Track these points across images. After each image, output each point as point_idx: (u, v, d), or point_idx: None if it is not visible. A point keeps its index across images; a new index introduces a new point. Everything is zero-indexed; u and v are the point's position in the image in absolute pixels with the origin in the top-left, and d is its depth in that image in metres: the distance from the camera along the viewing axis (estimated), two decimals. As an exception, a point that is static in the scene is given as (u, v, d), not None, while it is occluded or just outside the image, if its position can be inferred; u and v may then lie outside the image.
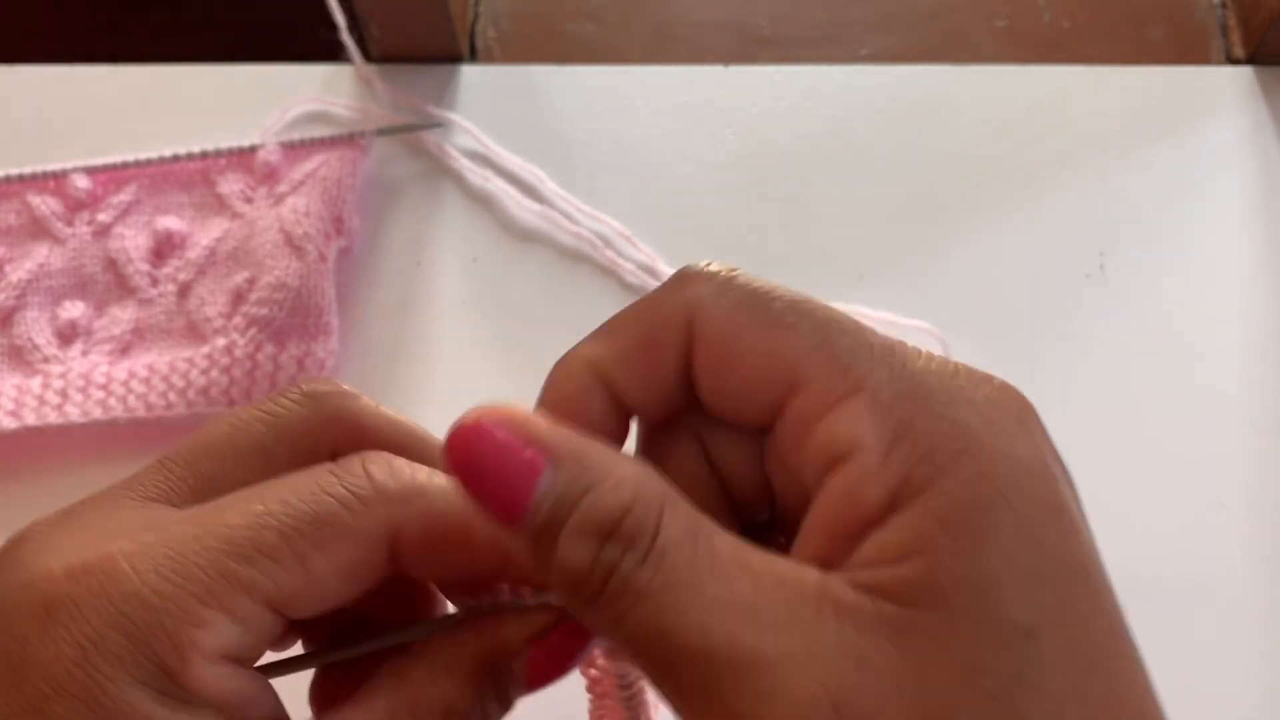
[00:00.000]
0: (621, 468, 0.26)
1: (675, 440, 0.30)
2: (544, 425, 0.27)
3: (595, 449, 0.27)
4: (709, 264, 0.29)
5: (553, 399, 0.29)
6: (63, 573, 0.27)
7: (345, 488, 0.29)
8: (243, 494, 0.30)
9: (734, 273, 0.28)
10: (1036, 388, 0.61)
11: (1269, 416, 0.58)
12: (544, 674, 0.31)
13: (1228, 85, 0.66)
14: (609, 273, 0.62)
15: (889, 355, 0.26)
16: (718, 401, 0.29)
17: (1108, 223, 0.62)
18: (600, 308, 0.61)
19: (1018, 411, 0.26)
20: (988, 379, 0.27)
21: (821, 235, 0.63)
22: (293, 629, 0.33)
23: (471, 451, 0.27)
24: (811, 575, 0.25)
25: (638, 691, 0.34)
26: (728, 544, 0.26)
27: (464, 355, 0.60)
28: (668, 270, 0.61)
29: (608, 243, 0.62)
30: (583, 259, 0.62)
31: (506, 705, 0.32)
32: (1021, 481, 0.24)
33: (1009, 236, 0.62)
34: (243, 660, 0.29)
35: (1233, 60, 0.68)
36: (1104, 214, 0.63)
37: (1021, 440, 0.25)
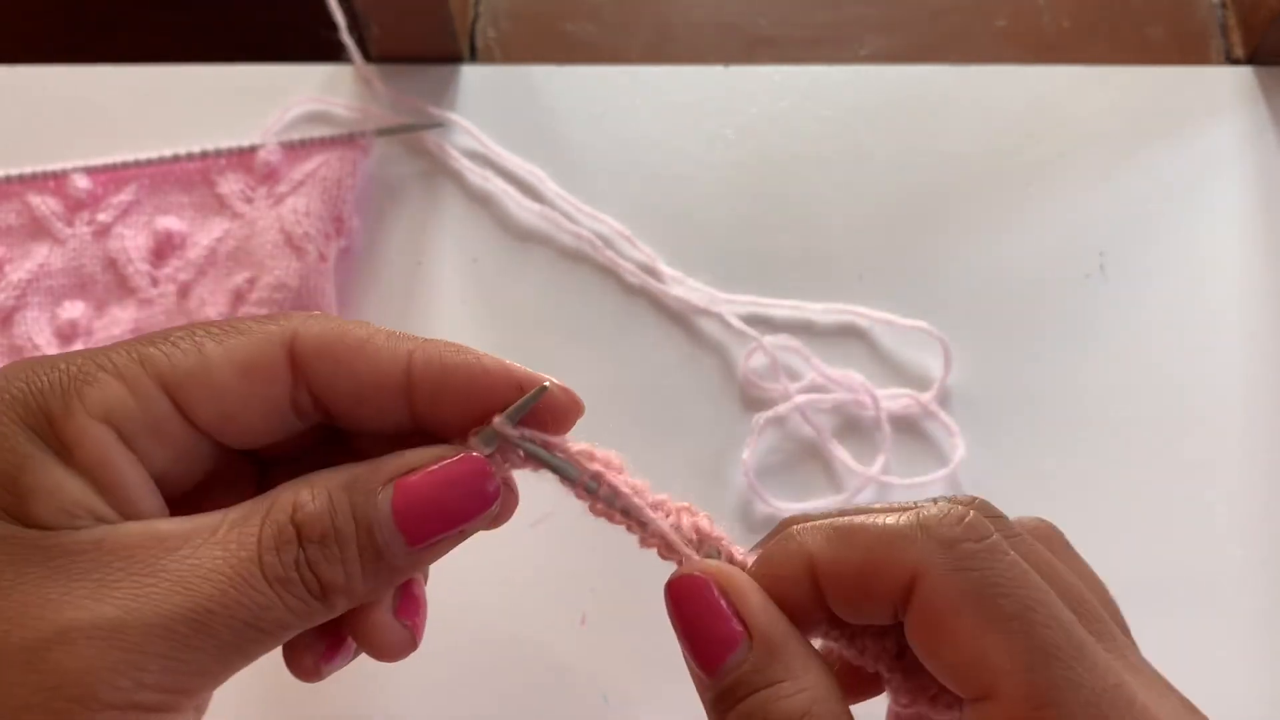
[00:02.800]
0: (808, 675, 0.30)
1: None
2: (757, 602, 0.31)
3: (793, 645, 0.31)
4: (957, 519, 0.30)
5: (767, 568, 0.32)
6: (11, 363, 0.31)
7: (262, 316, 0.33)
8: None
9: (979, 548, 0.30)
10: (1036, 387, 0.61)
11: (1269, 416, 0.58)
12: (414, 512, 0.32)
13: (1228, 85, 0.66)
14: (609, 273, 0.62)
15: (1097, 703, 0.28)
16: (919, 654, 0.31)
17: (1108, 223, 0.62)
18: (600, 308, 0.61)
19: None
20: None
21: (821, 235, 0.63)
22: (231, 463, 0.34)
23: (689, 600, 0.31)
24: None
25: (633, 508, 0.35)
26: None
27: (464, 355, 0.60)
28: (668, 270, 0.61)
29: (608, 243, 0.62)
30: (583, 259, 0.62)
31: (378, 550, 0.31)
32: None
33: (1009, 236, 0.62)
34: (133, 439, 0.30)
35: (1233, 60, 0.68)
36: (1104, 214, 0.63)
37: None
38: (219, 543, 0.29)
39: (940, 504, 0.31)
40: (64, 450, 0.29)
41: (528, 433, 0.34)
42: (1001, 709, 0.28)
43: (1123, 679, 0.29)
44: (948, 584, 0.29)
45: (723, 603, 0.31)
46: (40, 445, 0.29)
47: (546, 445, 0.34)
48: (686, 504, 0.35)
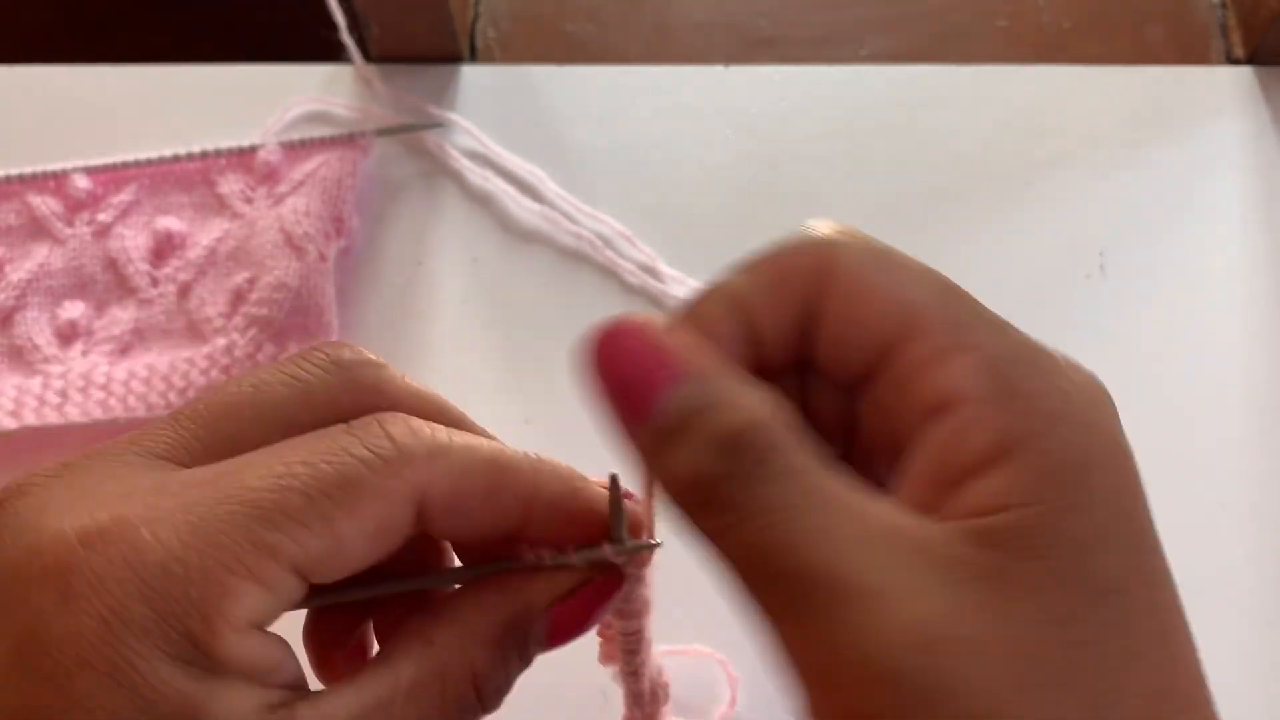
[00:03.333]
0: (752, 391, 0.28)
1: (780, 384, 0.30)
2: (685, 338, 0.28)
3: (731, 368, 0.28)
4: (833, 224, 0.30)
5: (692, 319, 0.30)
6: (78, 539, 0.26)
7: (368, 448, 0.29)
8: (259, 455, 0.29)
9: (863, 232, 0.30)
10: (1036, 388, 0.61)
11: (1269, 416, 0.58)
12: (564, 632, 0.32)
13: (1228, 85, 0.66)
14: (609, 273, 0.62)
15: (998, 324, 0.29)
16: (833, 345, 0.30)
17: (1108, 223, 0.62)
18: (600, 308, 0.61)
19: (1105, 396, 0.29)
20: (1077, 365, 0.29)
21: (821, 235, 0.63)
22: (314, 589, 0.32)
23: (614, 349, 0.28)
24: (913, 519, 0.26)
25: (639, 642, 0.35)
26: (840, 481, 0.27)
27: (464, 355, 0.60)
28: (668, 270, 0.61)
29: (608, 243, 0.62)
30: (583, 259, 0.62)
31: (526, 662, 0.32)
32: (1111, 451, 0.27)
33: (1009, 236, 0.62)
34: (267, 625, 0.28)
35: (1233, 60, 0.68)
36: (1104, 214, 0.63)
37: (1109, 418, 0.28)
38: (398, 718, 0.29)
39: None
40: (220, 667, 0.27)
41: (630, 543, 0.33)
42: (925, 341, 0.28)
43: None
44: (858, 246, 0.30)
45: (650, 345, 0.28)
46: (198, 674, 0.26)
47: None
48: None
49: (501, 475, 0.30)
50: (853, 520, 0.25)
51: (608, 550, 0.32)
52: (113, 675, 0.25)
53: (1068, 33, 0.70)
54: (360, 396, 0.31)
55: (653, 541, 0.33)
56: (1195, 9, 0.70)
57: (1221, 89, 0.66)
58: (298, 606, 0.30)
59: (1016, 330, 0.29)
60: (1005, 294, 0.61)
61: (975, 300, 0.29)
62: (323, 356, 0.31)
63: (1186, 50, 0.69)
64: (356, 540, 0.28)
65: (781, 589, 0.26)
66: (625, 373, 0.28)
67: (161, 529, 0.26)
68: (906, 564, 0.25)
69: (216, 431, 0.30)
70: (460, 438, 0.30)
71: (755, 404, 0.27)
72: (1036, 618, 0.24)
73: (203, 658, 0.26)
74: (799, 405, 0.31)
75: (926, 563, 0.25)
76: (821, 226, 0.30)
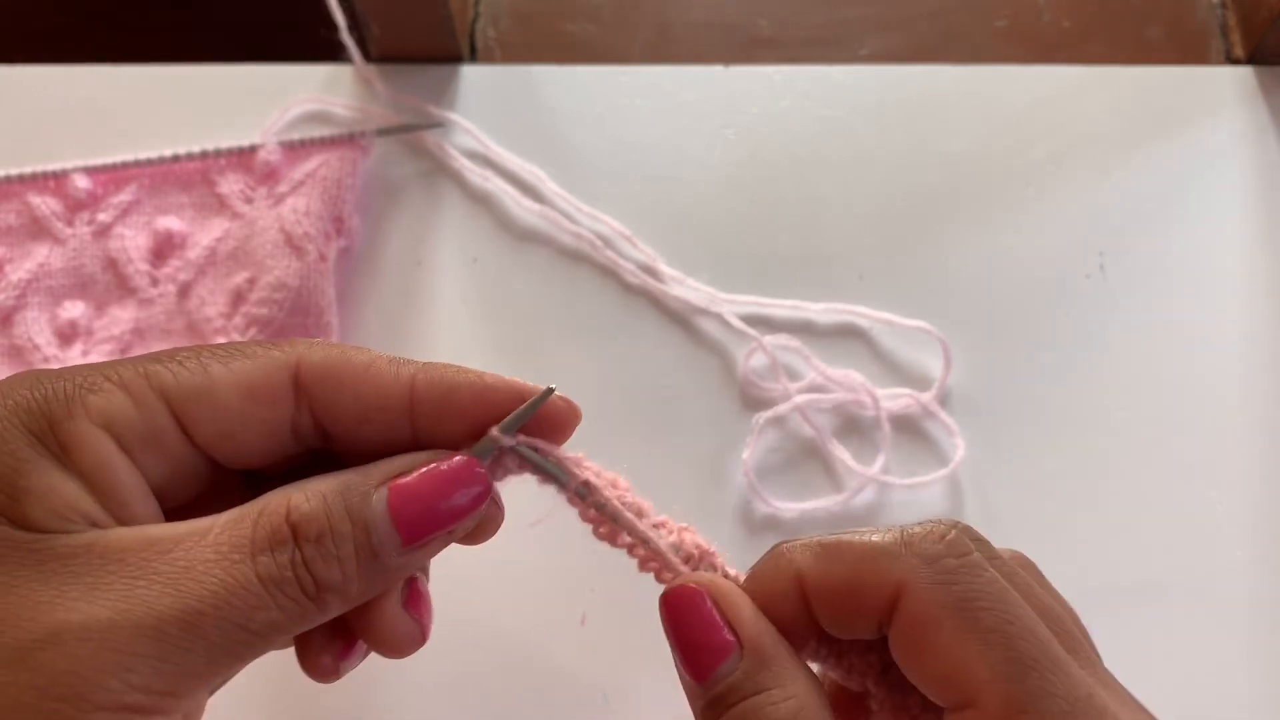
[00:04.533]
0: (796, 684, 0.31)
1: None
2: (748, 613, 0.32)
3: (782, 655, 0.32)
4: (940, 536, 0.32)
5: (757, 584, 0.34)
6: (19, 374, 0.31)
7: (267, 342, 0.33)
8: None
9: (961, 564, 0.31)
10: (1036, 387, 0.61)
11: (1269, 416, 0.58)
12: (411, 510, 0.32)
13: (1228, 85, 0.66)
14: (609, 273, 0.62)
15: (1071, 712, 0.29)
16: (902, 666, 0.32)
17: (1108, 223, 0.62)
18: (600, 308, 0.61)
19: None
20: None
21: (821, 235, 0.63)
22: (224, 480, 0.34)
23: (682, 609, 0.33)
24: None
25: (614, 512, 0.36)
26: None
27: (464, 355, 0.60)
28: (668, 270, 0.61)
29: (608, 243, 0.62)
30: (583, 259, 0.62)
31: (376, 551, 0.32)
32: None
33: (1009, 236, 0.62)
34: (132, 448, 0.31)
35: (1233, 60, 0.68)
36: (1104, 214, 0.63)
37: None
38: (210, 545, 0.30)
39: (924, 524, 0.33)
40: (62, 454, 0.29)
41: (523, 439, 0.35)
42: (981, 716, 0.30)
43: (1094, 690, 0.30)
44: (930, 597, 0.31)
45: (715, 613, 0.32)
46: (39, 449, 0.29)
47: (541, 452, 0.35)
48: (686, 525, 0.37)
49: (376, 357, 0.33)
50: None
51: (493, 431, 0.34)
52: None
53: (1068, 33, 0.70)
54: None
55: (548, 389, 0.35)
56: (1195, 9, 0.70)
57: (1221, 89, 0.66)
58: (190, 478, 0.32)
59: (1094, 706, 0.30)
60: (1005, 294, 0.62)
61: (1058, 668, 0.30)
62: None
63: (1186, 50, 0.69)
64: (229, 387, 0.32)
65: None
66: (690, 637, 0.32)
67: (77, 362, 0.32)
68: None
69: None
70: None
71: (794, 700, 0.31)
72: None
73: (50, 437, 0.30)
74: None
75: None
76: (915, 544, 0.32)
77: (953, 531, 0.32)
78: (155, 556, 0.29)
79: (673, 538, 0.36)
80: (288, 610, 0.30)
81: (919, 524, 0.33)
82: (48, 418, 0.30)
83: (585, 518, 0.36)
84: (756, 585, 0.34)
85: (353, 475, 0.32)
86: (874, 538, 0.32)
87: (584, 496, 0.36)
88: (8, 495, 0.29)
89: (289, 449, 0.34)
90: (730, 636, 0.32)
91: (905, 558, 0.31)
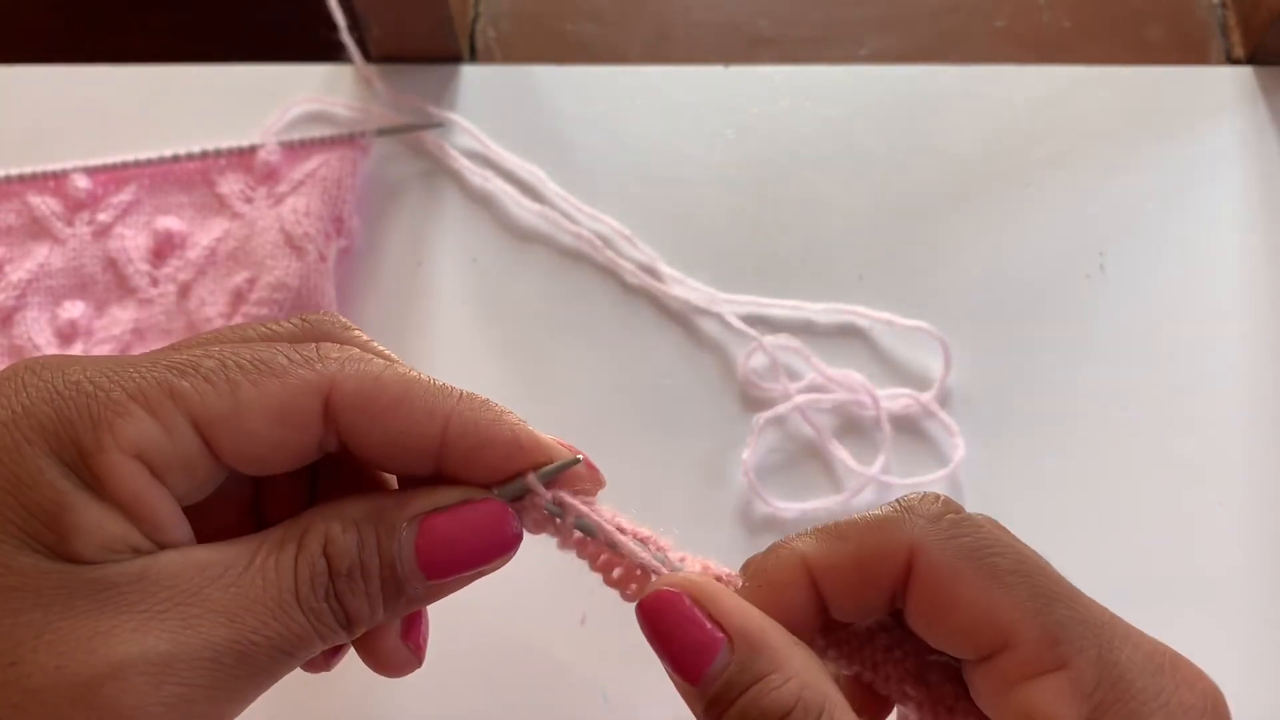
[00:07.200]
0: (793, 662, 0.30)
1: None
2: (730, 603, 0.31)
3: (773, 637, 0.31)
4: (935, 498, 0.32)
5: (761, 578, 0.33)
6: (25, 365, 0.30)
7: (295, 349, 0.32)
8: (196, 339, 0.32)
9: (960, 518, 0.32)
10: (1037, 387, 0.61)
11: (1269, 416, 0.58)
12: (438, 549, 0.32)
13: (1228, 85, 0.66)
14: (609, 273, 0.62)
15: (1099, 635, 0.30)
16: (924, 631, 0.32)
17: (1108, 223, 0.62)
18: (600, 308, 0.61)
19: (1220, 711, 0.30)
20: (1192, 681, 0.30)
21: (821, 235, 0.63)
22: (239, 488, 0.34)
23: (661, 614, 0.31)
24: None
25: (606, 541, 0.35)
26: None
27: (464, 355, 0.60)
28: (668, 270, 0.61)
29: (608, 243, 0.62)
30: (583, 259, 0.62)
31: (402, 585, 0.32)
32: None
33: (1009, 236, 0.62)
34: (164, 474, 0.30)
35: (1233, 60, 0.68)
36: (1104, 214, 0.63)
37: None
38: (258, 571, 0.30)
39: (914, 493, 0.33)
40: (98, 484, 0.29)
41: (557, 493, 0.34)
42: (1018, 655, 0.30)
43: (1111, 613, 0.31)
44: (944, 551, 0.31)
45: (695, 610, 0.31)
46: (75, 480, 0.29)
47: (572, 507, 0.34)
48: (709, 559, 0.35)
49: (411, 386, 0.32)
50: None
51: (530, 478, 0.33)
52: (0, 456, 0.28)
53: (1068, 33, 0.70)
54: (321, 339, 0.34)
55: (576, 458, 0.34)
56: (1195, 9, 0.70)
57: (1221, 89, 0.66)
58: (210, 488, 0.32)
59: (1121, 635, 0.30)
60: (1005, 294, 0.62)
61: (1076, 599, 0.31)
62: (297, 317, 0.34)
63: (1186, 50, 0.69)
64: (259, 414, 0.30)
65: None
66: (674, 641, 0.31)
67: (92, 362, 0.30)
68: None
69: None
70: (394, 368, 0.33)
71: (793, 680, 0.30)
72: None
73: (83, 466, 0.29)
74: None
75: None
76: (916, 509, 0.32)
77: (941, 496, 0.33)
78: (207, 584, 0.29)
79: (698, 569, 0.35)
80: (325, 638, 0.31)
81: (906, 495, 0.33)
82: (77, 446, 0.29)
83: (609, 582, 0.35)
84: (760, 579, 0.33)
85: (388, 505, 0.32)
86: (873, 511, 0.33)
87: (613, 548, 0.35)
88: (54, 531, 0.28)
89: (310, 459, 0.34)
90: (717, 632, 0.31)
91: (911, 520, 0.32)
